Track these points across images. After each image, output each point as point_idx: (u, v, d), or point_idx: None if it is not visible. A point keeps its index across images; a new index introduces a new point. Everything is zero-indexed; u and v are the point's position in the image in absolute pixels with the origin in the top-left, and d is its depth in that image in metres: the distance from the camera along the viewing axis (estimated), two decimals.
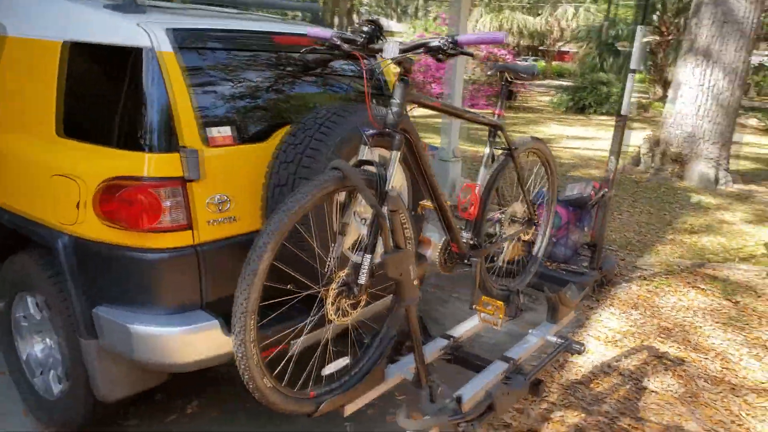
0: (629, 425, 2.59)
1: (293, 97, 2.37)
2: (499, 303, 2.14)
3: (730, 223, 5.65)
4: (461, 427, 1.78)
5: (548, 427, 2.53)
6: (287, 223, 1.48)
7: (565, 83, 19.94)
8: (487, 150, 2.37)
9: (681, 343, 3.31)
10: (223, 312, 2.00)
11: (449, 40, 1.64)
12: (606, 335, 3.39)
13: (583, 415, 2.62)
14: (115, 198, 1.88)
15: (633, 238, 5.11)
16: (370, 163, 1.67)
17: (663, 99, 13.07)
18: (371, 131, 1.69)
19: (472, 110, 2.67)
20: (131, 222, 1.88)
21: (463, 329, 2.36)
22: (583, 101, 15.50)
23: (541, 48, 31.77)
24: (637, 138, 8.20)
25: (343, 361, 1.78)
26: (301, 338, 1.80)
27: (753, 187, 7.14)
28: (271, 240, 1.45)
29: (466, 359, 2.23)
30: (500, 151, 2.42)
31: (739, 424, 2.63)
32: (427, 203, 2.10)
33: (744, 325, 3.55)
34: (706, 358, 3.16)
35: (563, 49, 30.87)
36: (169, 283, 1.96)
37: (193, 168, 1.91)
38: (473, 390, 1.95)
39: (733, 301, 3.87)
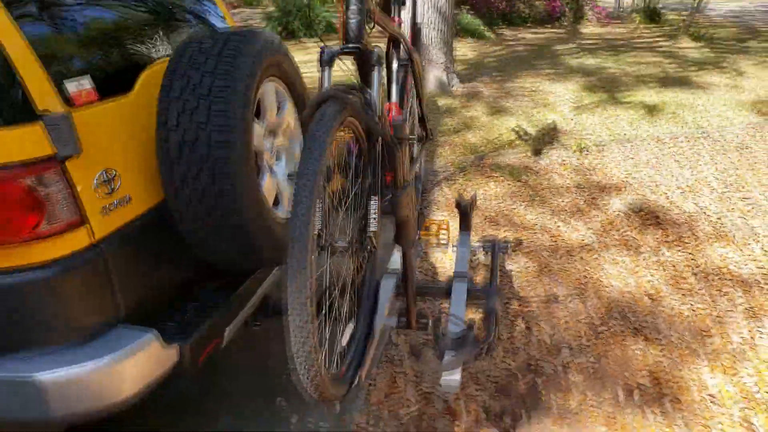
0: (519, 306, 2.89)
1: (139, 29, 1.89)
2: (444, 220, 2.13)
3: (479, 119, 6.44)
4: (490, 350, 1.76)
5: None
6: (323, 172, 1.21)
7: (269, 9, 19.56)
8: (395, 65, 2.24)
9: (510, 227, 3.76)
10: (149, 319, 1.61)
11: None
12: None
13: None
14: None
15: None
16: (355, 88, 1.45)
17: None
18: (334, 49, 1.47)
19: None
20: None
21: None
22: (291, 26, 15.51)
23: None
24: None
25: (350, 327, 1.59)
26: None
27: (474, 84, 8.17)
28: (314, 196, 1.17)
29: (420, 290, 2.18)
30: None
31: (590, 276, 3.14)
32: None
33: (542, 199, 4.17)
34: (535, 233, 3.66)
35: None
36: (72, 305, 1.48)
37: (68, 139, 1.43)
38: (462, 312, 1.93)
39: (522, 181, 4.49)
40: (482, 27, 13.19)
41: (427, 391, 2.37)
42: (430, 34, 7.43)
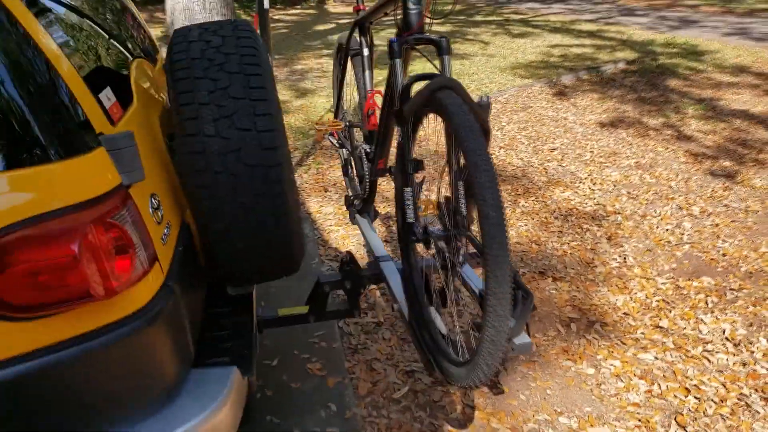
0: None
1: (109, 30, 1.57)
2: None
3: (291, 102, 6.36)
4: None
5: None
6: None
7: None
8: (366, 51, 2.15)
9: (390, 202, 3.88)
10: (206, 354, 1.45)
11: None
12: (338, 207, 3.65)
13: None
14: (40, 260, 1.02)
15: None
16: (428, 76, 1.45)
17: None
18: (408, 39, 1.47)
19: None
20: (82, 289, 1.05)
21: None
22: None
23: None
24: None
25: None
26: None
27: None
28: (500, 200, 1.17)
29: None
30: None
31: None
32: None
33: None
34: None
35: None
36: (162, 354, 1.23)
37: (133, 163, 1.17)
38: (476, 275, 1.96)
39: None
40: (236, 7, 12.86)
41: (408, 370, 2.40)
42: (213, 18, 7.04)
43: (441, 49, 1.58)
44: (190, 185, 1.39)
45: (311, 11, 15.25)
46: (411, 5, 1.61)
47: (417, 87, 1.56)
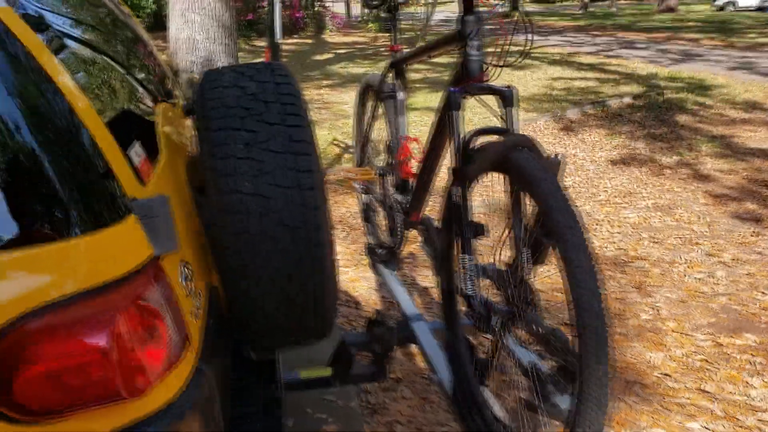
0: None
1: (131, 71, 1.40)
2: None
3: None
4: None
5: None
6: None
7: None
8: (401, 95, 1.99)
9: None
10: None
11: None
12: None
13: None
14: (60, 357, 0.81)
15: None
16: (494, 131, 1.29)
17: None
18: (470, 89, 1.32)
19: None
20: (110, 389, 0.83)
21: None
22: None
23: None
24: None
25: None
26: None
27: None
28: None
29: None
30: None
31: None
32: None
33: None
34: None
35: None
36: None
37: (167, 231, 0.98)
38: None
39: None
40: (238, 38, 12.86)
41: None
42: (216, 49, 6.90)
43: (506, 100, 1.41)
44: (224, 248, 1.20)
45: (309, 41, 15.24)
46: (473, 52, 1.45)
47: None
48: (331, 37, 16.14)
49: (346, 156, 5.42)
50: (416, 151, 2.03)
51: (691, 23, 18.98)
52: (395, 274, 2.33)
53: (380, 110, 2.34)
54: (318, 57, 12.12)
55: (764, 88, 7.98)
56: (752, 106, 7.08)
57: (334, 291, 1.41)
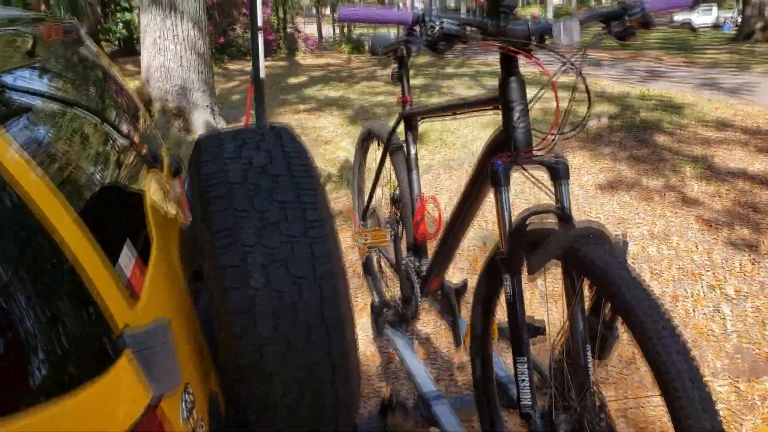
0: None
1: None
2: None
3: None
4: None
5: None
6: None
7: None
8: (413, 149, 1.86)
9: None
10: None
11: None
12: None
13: None
14: None
15: None
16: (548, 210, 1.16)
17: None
18: (520, 161, 1.20)
19: None
20: None
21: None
22: None
23: None
24: None
25: None
26: None
27: (239, 123, 7.64)
28: None
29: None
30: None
31: None
32: None
33: None
34: None
35: None
36: None
37: (168, 366, 0.79)
38: None
39: None
40: None
41: None
42: (191, 77, 6.71)
43: (558, 174, 1.26)
44: (229, 352, 1.03)
45: (282, 63, 15.08)
46: (519, 124, 1.31)
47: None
48: (304, 59, 15.99)
49: (329, 186, 5.27)
50: (433, 210, 1.90)
51: (651, 40, 19.47)
52: (407, 342, 2.17)
53: (387, 163, 2.21)
54: (293, 80, 11.96)
55: (731, 106, 8.12)
56: (723, 124, 7.17)
57: (358, 395, 1.27)
